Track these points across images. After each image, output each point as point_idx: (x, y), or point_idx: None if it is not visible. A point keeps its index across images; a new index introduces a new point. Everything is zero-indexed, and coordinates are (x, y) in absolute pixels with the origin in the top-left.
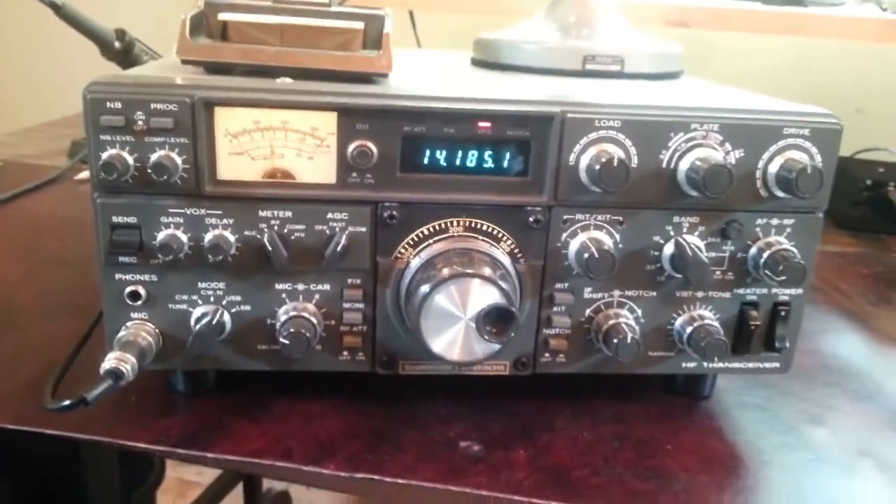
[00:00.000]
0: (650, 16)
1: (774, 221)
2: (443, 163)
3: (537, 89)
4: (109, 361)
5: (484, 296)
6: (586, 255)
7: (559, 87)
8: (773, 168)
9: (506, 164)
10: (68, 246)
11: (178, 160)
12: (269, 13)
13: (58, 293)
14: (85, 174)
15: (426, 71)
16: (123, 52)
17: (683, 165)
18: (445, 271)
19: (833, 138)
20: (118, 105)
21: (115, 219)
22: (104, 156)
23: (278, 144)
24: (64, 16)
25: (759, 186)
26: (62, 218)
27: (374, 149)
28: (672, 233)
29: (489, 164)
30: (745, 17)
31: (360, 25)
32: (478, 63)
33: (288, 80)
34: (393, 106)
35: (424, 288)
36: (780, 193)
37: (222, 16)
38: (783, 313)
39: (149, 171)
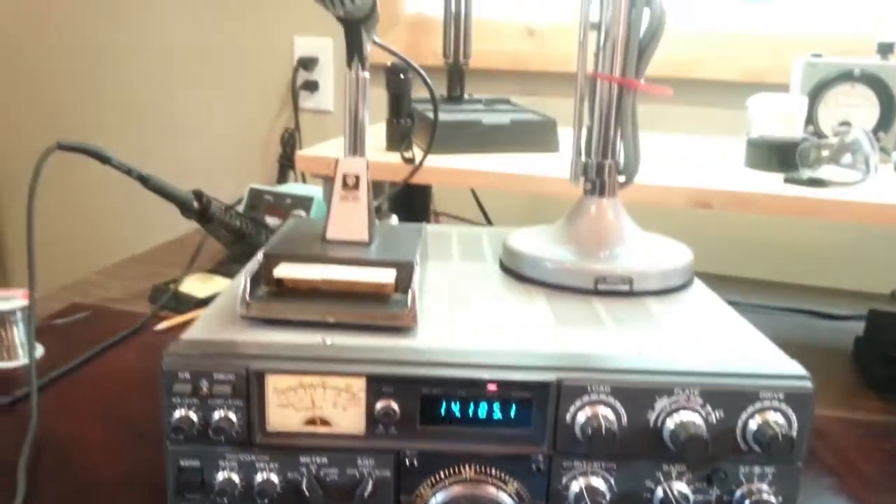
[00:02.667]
0: (673, 198)
1: (757, 470)
2: (457, 415)
3: (544, 333)
4: None
5: None
6: (584, 499)
7: (570, 312)
8: (752, 426)
9: (512, 418)
10: (147, 411)
11: (235, 418)
12: (317, 262)
13: (136, 469)
14: (164, 324)
15: (453, 303)
16: (201, 211)
17: (669, 425)
18: None
19: (807, 401)
20: (187, 375)
21: (181, 462)
22: (175, 415)
23: (318, 398)
24: (150, 186)
25: (739, 441)
26: (142, 375)
27: (397, 408)
28: (662, 479)
29: (497, 417)
30: (766, 200)
31: (391, 277)
32: (505, 269)
33: (329, 341)
34: (413, 375)
35: None
36: (759, 449)
37: (277, 272)
38: None
39: (210, 429)
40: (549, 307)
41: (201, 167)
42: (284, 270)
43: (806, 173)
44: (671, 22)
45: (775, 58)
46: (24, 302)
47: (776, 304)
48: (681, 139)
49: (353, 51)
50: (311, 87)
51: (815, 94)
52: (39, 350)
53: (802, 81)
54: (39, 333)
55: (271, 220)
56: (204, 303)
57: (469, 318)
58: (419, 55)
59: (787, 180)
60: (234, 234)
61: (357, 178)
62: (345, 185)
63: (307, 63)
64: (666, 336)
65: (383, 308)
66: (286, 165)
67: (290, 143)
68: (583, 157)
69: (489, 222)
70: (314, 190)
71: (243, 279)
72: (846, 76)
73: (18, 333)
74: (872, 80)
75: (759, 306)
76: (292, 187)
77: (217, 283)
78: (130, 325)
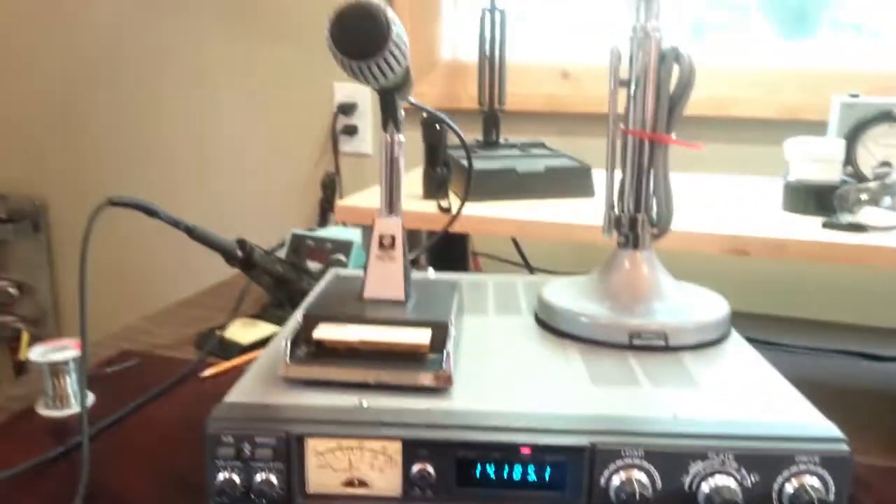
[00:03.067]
0: (709, 245)
1: None
2: (492, 478)
3: (579, 393)
4: None
5: None
6: None
7: (605, 369)
8: (788, 490)
9: (546, 481)
10: (194, 462)
11: (276, 481)
12: (354, 323)
13: None
14: (209, 371)
15: (489, 360)
16: (245, 259)
17: (703, 489)
18: None
19: (844, 464)
20: (230, 439)
21: None
22: (219, 478)
23: (356, 460)
24: (196, 237)
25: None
26: (188, 424)
27: (433, 471)
28: None
29: (532, 480)
30: (804, 247)
31: (426, 338)
32: (540, 322)
33: (366, 403)
34: (448, 439)
35: None
36: None
37: (316, 333)
38: None
39: (252, 492)
40: (584, 364)
41: (245, 211)
42: (323, 332)
43: (845, 217)
44: (707, 59)
45: (813, 95)
46: (77, 352)
47: (820, 344)
48: (717, 179)
49: (388, 116)
50: (351, 131)
51: (854, 135)
52: (91, 398)
53: (840, 122)
54: (91, 382)
55: (312, 265)
56: (248, 349)
57: (504, 376)
58: (456, 99)
59: (825, 225)
60: (277, 279)
61: (393, 237)
62: (381, 245)
63: (346, 108)
64: (701, 396)
65: (419, 369)
66: (327, 209)
67: (330, 186)
68: (615, 211)
69: (529, 268)
70: (353, 234)
71: (283, 341)
72: (884, 116)
73: (71, 383)
74: None
75: (802, 348)
76: (333, 231)
77: (260, 329)
78: (177, 371)
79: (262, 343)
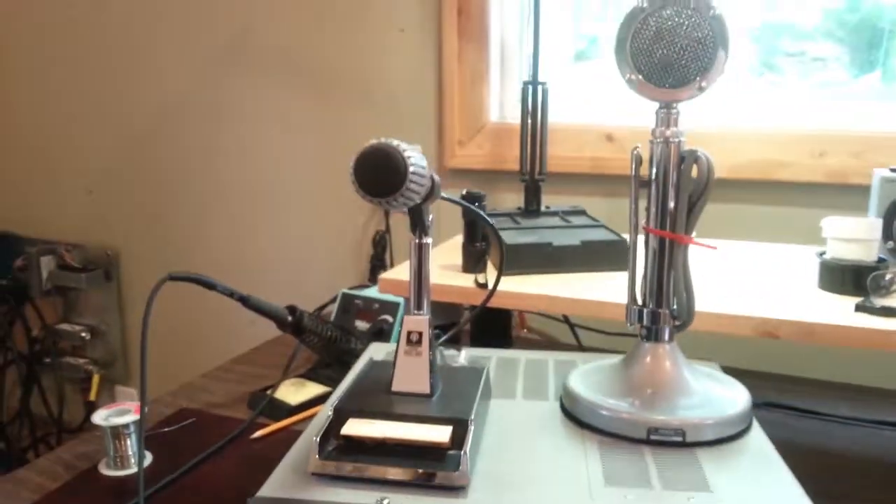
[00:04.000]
0: (738, 327)
1: None
2: None
3: (591, 496)
4: None
5: None
6: None
7: (621, 468)
8: None
9: None
10: None
11: None
12: (381, 419)
13: None
14: (259, 433)
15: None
16: (295, 324)
17: None
18: None
19: None
20: None
21: None
22: None
23: None
24: (249, 306)
25: None
26: (236, 485)
27: None
28: None
29: None
30: (835, 331)
31: (447, 435)
32: (564, 411)
33: (387, 500)
34: None
35: None
36: None
37: (344, 430)
38: None
39: None
40: (601, 461)
41: (300, 266)
42: (351, 428)
43: (878, 301)
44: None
45: (861, 160)
46: (136, 416)
47: (862, 414)
48: (759, 248)
49: (416, 224)
50: None
51: (894, 210)
52: (148, 458)
53: (881, 197)
54: (149, 441)
55: (361, 324)
56: (296, 409)
57: (521, 474)
58: (502, 161)
59: (858, 308)
60: (325, 341)
61: (420, 334)
62: (409, 340)
63: None
64: (711, 501)
65: (439, 467)
66: (377, 266)
67: (381, 244)
68: (638, 302)
69: (572, 330)
70: (400, 296)
71: (314, 437)
72: None
73: (131, 444)
74: None
75: (842, 418)
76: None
77: (309, 389)
78: (229, 431)
79: (310, 404)
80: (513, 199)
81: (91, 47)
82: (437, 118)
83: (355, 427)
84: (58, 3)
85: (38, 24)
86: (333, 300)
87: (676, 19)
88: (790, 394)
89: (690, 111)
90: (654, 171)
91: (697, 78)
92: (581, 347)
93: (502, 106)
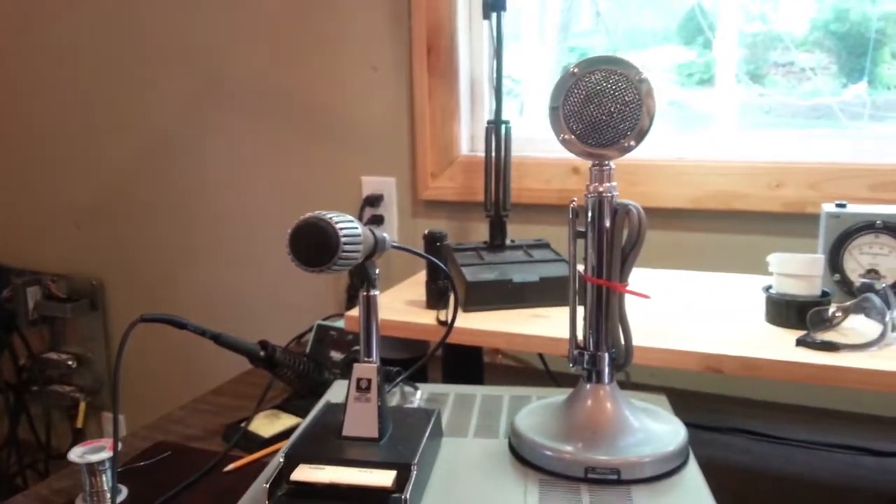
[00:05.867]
0: (684, 362)
1: None
2: None
3: None
4: None
5: None
6: None
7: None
8: None
9: None
10: None
11: None
12: (329, 464)
13: None
14: (232, 466)
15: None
16: (267, 358)
17: None
18: None
19: None
20: None
21: None
22: None
23: None
24: (222, 343)
25: None
26: None
27: None
28: None
29: None
30: (776, 366)
31: (390, 480)
32: (512, 450)
33: None
34: None
35: None
36: None
37: (293, 476)
38: None
39: None
40: (539, 499)
41: (279, 297)
42: (301, 473)
43: (819, 336)
44: (708, 154)
45: (816, 191)
46: (111, 453)
47: (817, 436)
48: (713, 279)
49: (362, 279)
50: (377, 221)
51: (840, 244)
52: (123, 493)
53: (827, 231)
54: (124, 476)
55: (335, 354)
56: (270, 441)
57: None
58: (472, 193)
59: (799, 343)
60: (298, 374)
61: (369, 381)
62: (358, 387)
63: (373, 200)
64: None
65: None
66: (354, 296)
67: (358, 274)
68: (580, 345)
69: (550, 375)
70: None
71: (264, 484)
72: (868, 227)
73: (106, 480)
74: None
75: (797, 441)
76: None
77: (283, 421)
78: (204, 464)
79: (283, 435)
80: (483, 229)
81: (76, 86)
82: (410, 152)
83: (305, 473)
84: (45, 43)
85: (24, 61)
86: (310, 330)
87: (605, 84)
88: (746, 417)
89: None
90: (590, 223)
91: (626, 137)
92: (549, 373)
93: (473, 139)
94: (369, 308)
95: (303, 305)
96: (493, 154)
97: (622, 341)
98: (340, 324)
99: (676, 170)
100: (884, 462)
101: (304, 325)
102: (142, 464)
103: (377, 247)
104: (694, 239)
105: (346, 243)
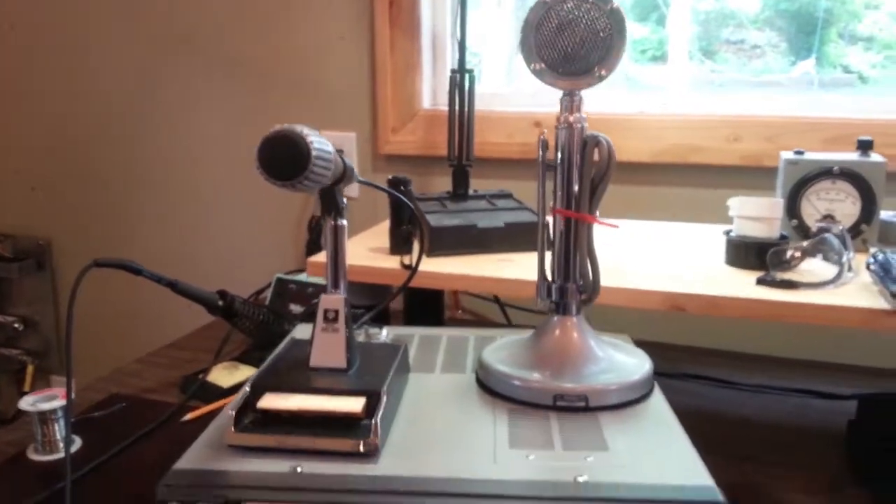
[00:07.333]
0: (648, 301)
1: None
2: None
3: (495, 458)
4: None
5: None
6: None
7: (526, 432)
8: None
9: None
10: None
11: None
12: (297, 392)
13: None
14: (190, 416)
15: (422, 422)
16: (226, 308)
17: None
18: None
19: None
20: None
21: None
22: None
23: None
24: (178, 291)
25: None
26: (167, 469)
27: None
28: None
29: None
30: (736, 304)
31: (360, 406)
32: (480, 383)
33: (300, 468)
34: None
35: None
36: None
37: (260, 403)
38: None
39: None
40: (508, 426)
41: (236, 253)
42: (267, 401)
43: (779, 274)
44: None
45: (774, 144)
46: (63, 402)
47: (769, 381)
48: (671, 228)
49: (330, 206)
50: None
51: (798, 190)
52: (77, 443)
53: (785, 177)
54: (79, 426)
55: (295, 308)
56: (228, 392)
57: (431, 440)
58: (434, 147)
59: (759, 282)
60: (258, 325)
61: (336, 312)
62: (326, 318)
63: None
64: (606, 459)
65: (351, 436)
66: (314, 251)
67: (316, 229)
68: (547, 278)
69: (503, 310)
70: None
71: (230, 411)
72: (826, 173)
73: (59, 429)
74: (852, 177)
75: (750, 385)
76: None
77: (242, 372)
78: (161, 415)
79: (242, 386)
80: (445, 183)
81: (29, 46)
82: (371, 106)
83: (271, 401)
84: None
85: None
86: (269, 286)
87: (577, 13)
88: (706, 365)
89: (612, 99)
90: (559, 155)
91: (597, 67)
92: (510, 325)
93: (435, 93)
94: (336, 238)
95: (261, 264)
96: (458, 104)
97: (590, 275)
98: (301, 277)
99: (635, 124)
100: (832, 404)
101: (263, 284)
102: (96, 415)
103: (346, 173)
104: (652, 193)
105: (317, 157)
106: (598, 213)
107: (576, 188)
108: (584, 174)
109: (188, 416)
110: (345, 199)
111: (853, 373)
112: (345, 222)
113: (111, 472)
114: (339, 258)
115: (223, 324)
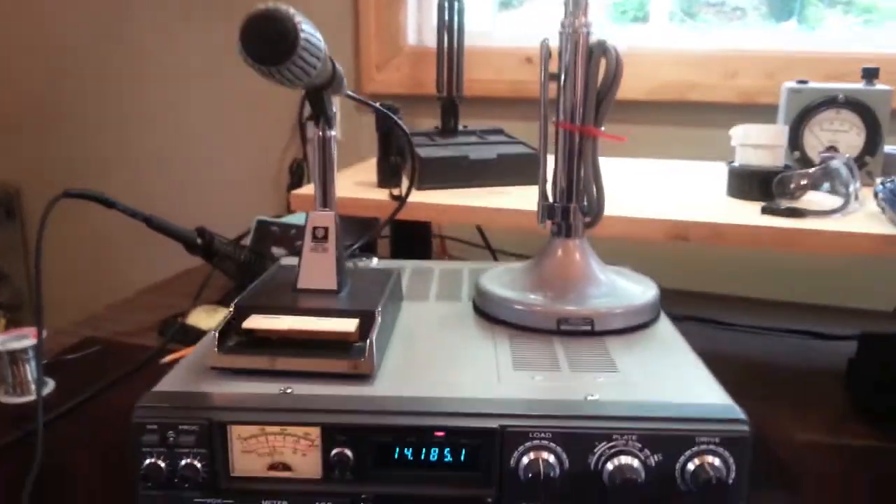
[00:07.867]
0: (650, 231)
1: None
2: (409, 460)
3: (498, 379)
4: None
5: None
6: None
7: (530, 355)
8: (690, 468)
9: (461, 462)
10: None
11: (199, 465)
12: (285, 313)
13: None
14: (169, 358)
15: (419, 346)
16: (205, 247)
17: (608, 468)
18: None
19: (743, 444)
20: (154, 426)
21: None
22: (145, 463)
23: (278, 444)
24: (154, 226)
25: (679, 483)
26: None
27: (351, 455)
28: None
29: (448, 461)
30: (742, 231)
31: (353, 326)
32: (477, 310)
33: (290, 389)
34: (365, 424)
35: None
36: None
37: (246, 324)
38: None
39: (177, 476)
40: (511, 349)
41: (215, 199)
42: (253, 322)
43: (784, 203)
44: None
45: (771, 80)
46: (34, 341)
47: (770, 324)
48: (670, 164)
49: (318, 113)
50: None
51: (801, 120)
52: (50, 385)
53: (788, 107)
54: (51, 369)
55: (277, 251)
56: None
57: (429, 362)
58: (420, 85)
59: (764, 210)
60: (239, 266)
61: (326, 230)
62: (314, 237)
63: None
64: (616, 379)
65: (344, 357)
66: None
67: (298, 172)
68: (549, 200)
69: (492, 252)
70: None
71: (213, 332)
72: (830, 102)
73: (30, 370)
74: (857, 106)
75: (752, 327)
76: (298, 217)
77: (222, 315)
78: (138, 358)
79: None
80: (431, 122)
81: None
82: (353, 42)
83: (258, 321)
84: None
85: None
86: (248, 232)
87: None
88: (708, 309)
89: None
90: (563, 62)
91: None
92: (492, 251)
93: (420, 30)
94: (325, 150)
95: (242, 208)
96: (446, 34)
97: (594, 193)
98: (283, 219)
99: (628, 60)
100: (831, 344)
101: (243, 230)
102: (69, 357)
103: (335, 78)
104: (648, 132)
105: (305, 39)
106: (603, 128)
107: (581, 99)
108: (590, 84)
109: (167, 359)
110: (335, 109)
111: (852, 314)
112: (334, 133)
113: (85, 417)
114: (327, 172)
115: (203, 270)
